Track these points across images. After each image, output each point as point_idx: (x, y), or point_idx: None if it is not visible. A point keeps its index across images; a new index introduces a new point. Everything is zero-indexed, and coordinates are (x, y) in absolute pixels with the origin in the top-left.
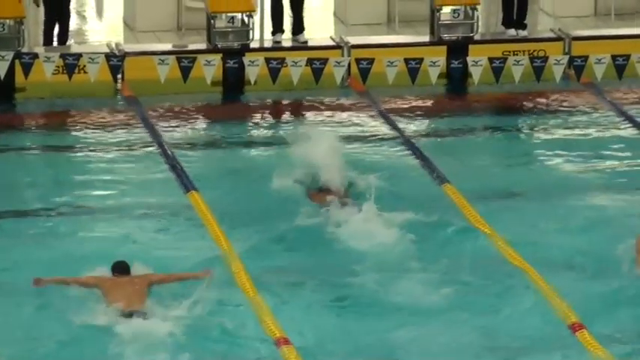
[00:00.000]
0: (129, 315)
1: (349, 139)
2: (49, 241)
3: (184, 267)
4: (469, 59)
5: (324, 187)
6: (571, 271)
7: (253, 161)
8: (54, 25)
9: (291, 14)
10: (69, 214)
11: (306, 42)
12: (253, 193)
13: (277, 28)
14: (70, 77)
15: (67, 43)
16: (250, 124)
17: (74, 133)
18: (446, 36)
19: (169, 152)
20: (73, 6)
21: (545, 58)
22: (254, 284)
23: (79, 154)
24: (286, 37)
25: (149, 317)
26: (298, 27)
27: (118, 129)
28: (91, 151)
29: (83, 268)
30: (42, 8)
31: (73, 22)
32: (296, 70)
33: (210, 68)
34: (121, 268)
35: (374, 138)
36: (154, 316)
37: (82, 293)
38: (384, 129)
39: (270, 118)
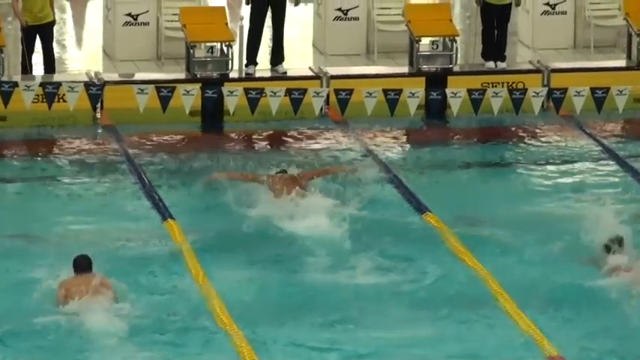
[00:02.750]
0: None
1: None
2: (28, 267)
3: (160, 291)
4: (448, 91)
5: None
6: (550, 302)
7: (232, 190)
8: (31, 55)
9: (270, 45)
10: (48, 242)
11: (285, 72)
12: (231, 223)
13: (251, 60)
14: (49, 106)
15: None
16: (229, 153)
17: (53, 162)
18: (425, 67)
19: (147, 181)
20: None
21: (524, 90)
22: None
23: (57, 182)
24: (265, 68)
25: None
26: (278, 57)
27: (97, 158)
28: (69, 179)
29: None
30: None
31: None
32: (275, 100)
33: (189, 98)
34: (82, 266)
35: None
36: (115, 311)
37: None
38: (362, 159)
39: (248, 148)
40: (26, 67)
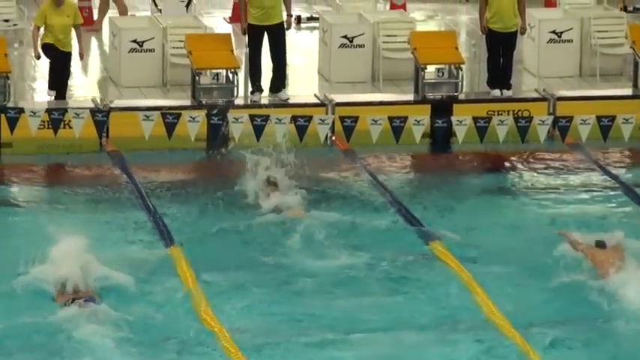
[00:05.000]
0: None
1: (334, 197)
2: (30, 294)
3: (161, 315)
4: (453, 118)
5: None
6: (556, 331)
7: (237, 218)
8: (58, 79)
9: (272, 71)
10: (51, 265)
11: (287, 99)
12: (235, 249)
13: (256, 87)
14: (55, 132)
15: (51, 99)
16: (233, 180)
17: (58, 188)
18: (430, 95)
19: (152, 207)
20: None
21: (529, 119)
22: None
23: (62, 208)
24: (268, 95)
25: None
26: (280, 84)
27: (102, 184)
28: (74, 205)
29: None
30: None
31: None
32: (280, 127)
33: (194, 125)
34: None
35: (359, 195)
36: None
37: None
38: (367, 187)
39: (252, 175)
40: (53, 82)
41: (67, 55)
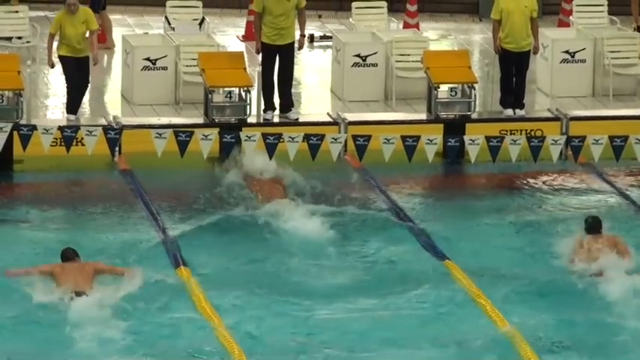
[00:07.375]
0: (77, 295)
1: (347, 215)
2: (40, 313)
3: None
4: (466, 138)
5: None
6: (567, 352)
7: (247, 237)
8: (77, 94)
9: (278, 91)
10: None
11: (297, 119)
12: (245, 270)
13: (268, 105)
14: (67, 149)
15: (64, 116)
16: (245, 198)
17: (70, 206)
18: (443, 114)
19: (163, 226)
20: None
21: (542, 138)
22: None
23: (73, 227)
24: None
25: (95, 299)
26: (287, 104)
27: (114, 202)
28: (85, 224)
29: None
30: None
31: None
32: (293, 145)
33: (206, 143)
34: (69, 255)
35: (371, 214)
36: (100, 299)
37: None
38: (380, 205)
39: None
40: (72, 104)
41: (85, 61)
